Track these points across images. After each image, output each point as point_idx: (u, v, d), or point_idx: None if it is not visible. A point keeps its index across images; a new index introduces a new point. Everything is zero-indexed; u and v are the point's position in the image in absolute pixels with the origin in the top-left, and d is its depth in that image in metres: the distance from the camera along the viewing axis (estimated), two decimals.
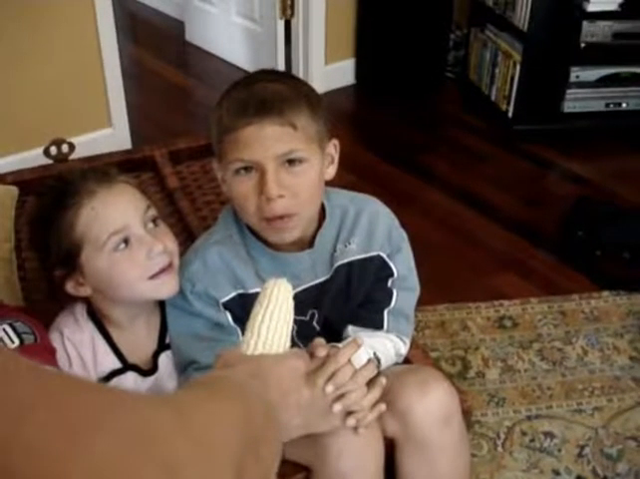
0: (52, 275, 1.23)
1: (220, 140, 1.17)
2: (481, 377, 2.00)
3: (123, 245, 1.16)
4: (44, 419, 0.43)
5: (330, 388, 1.04)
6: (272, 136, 1.12)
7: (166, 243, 1.21)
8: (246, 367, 0.85)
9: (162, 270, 1.19)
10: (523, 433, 1.84)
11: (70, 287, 1.21)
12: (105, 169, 1.26)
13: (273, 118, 1.11)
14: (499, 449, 1.79)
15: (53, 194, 1.21)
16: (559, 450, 1.79)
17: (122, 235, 1.16)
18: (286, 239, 1.21)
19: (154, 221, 1.21)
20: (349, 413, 1.08)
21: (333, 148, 1.25)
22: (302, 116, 1.14)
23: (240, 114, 1.12)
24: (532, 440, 1.82)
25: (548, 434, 1.83)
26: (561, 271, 2.41)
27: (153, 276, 1.18)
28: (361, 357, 1.19)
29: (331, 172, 1.26)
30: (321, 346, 1.08)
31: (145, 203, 1.21)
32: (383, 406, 1.11)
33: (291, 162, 1.14)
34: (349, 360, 1.08)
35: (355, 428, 1.10)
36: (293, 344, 1.18)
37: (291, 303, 0.95)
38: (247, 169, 1.14)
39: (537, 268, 2.43)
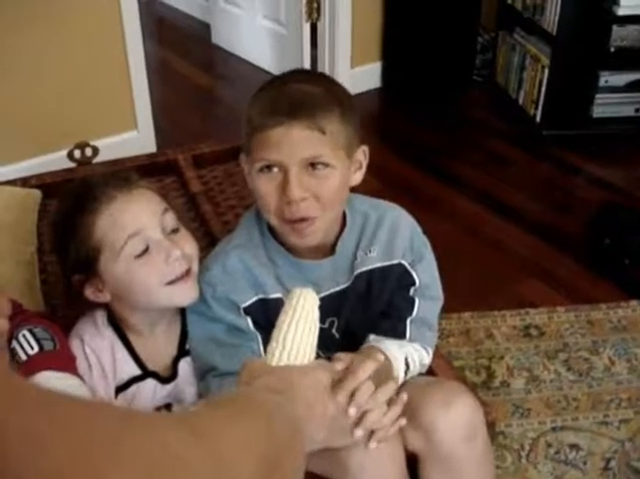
0: (71, 281, 1.22)
1: (249, 136, 1.16)
2: (506, 387, 1.97)
3: (141, 251, 1.15)
4: (60, 450, 0.42)
5: (352, 411, 1.02)
6: (300, 139, 1.10)
7: (185, 249, 1.19)
8: (271, 379, 0.83)
9: (180, 277, 1.18)
10: (548, 445, 1.80)
11: (89, 293, 1.20)
12: (125, 174, 1.25)
13: (303, 121, 1.10)
14: (524, 461, 1.76)
15: (73, 198, 1.21)
16: (585, 463, 1.76)
17: (138, 238, 1.15)
18: (306, 242, 1.20)
19: (173, 225, 1.20)
20: (370, 433, 1.06)
21: (362, 154, 1.23)
22: (333, 121, 1.12)
23: (270, 114, 1.11)
24: (557, 452, 1.78)
25: (574, 446, 1.80)
26: (589, 279, 2.37)
27: (170, 283, 1.17)
28: (400, 368, 1.18)
29: (358, 178, 1.24)
30: (339, 360, 1.06)
31: (162, 207, 1.20)
32: (403, 421, 1.09)
33: (315, 165, 1.13)
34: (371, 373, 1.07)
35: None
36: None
37: (317, 314, 0.94)
38: (271, 167, 1.13)
39: (564, 276, 2.39)
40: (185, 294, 1.20)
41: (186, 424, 0.56)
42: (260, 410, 0.69)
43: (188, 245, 1.21)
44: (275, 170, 1.13)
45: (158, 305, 1.21)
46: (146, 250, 1.16)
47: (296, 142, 1.10)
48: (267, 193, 1.15)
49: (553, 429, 1.85)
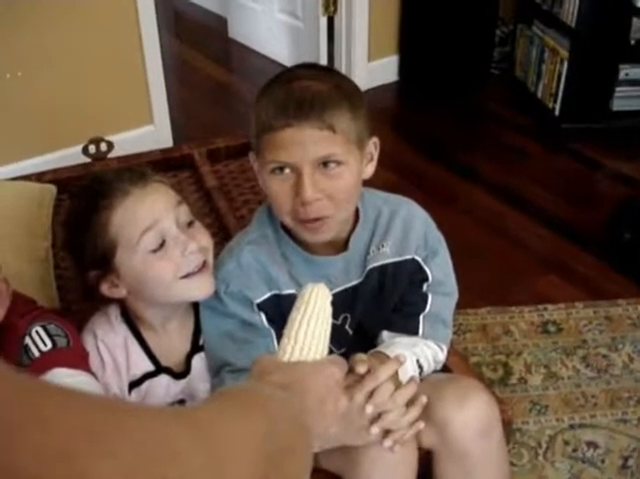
0: (86, 277, 1.21)
1: (259, 137, 1.14)
2: (524, 384, 1.95)
3: (157, 245, 1.15)
4: (38, 442, 0.40)
5: (370, 409, 1.02)
6: (311, 139, 1.09)
7: (201, 242, 1.19)
8: (282, 375, 0.83)
9: (196, 270, 1.17)
10: (566, 443, 1.78)
11: (105, 289, 1.20)
12: (140, 169, 1.25)
13: (312, 121, 1.08)
14: (541, 459, 1.74)
15: (87, 195, 1.20)
16: (603, 461, 1.74)
17: (153, 232, 1.14)
18: (320, 239, 1.19)
19: (187, 218, 1.20)
20: (386, 432, 1.06)
21: (373, 146, 1.22)
22: (342, 118, 1.10)
23: (279, 115, 1.10)
24: (575, 450, 1.77)
25: (592, 444, 1.78)
26: (608, 275, 2.34)
27: (186, 276, 1.17)
28: (407, 371, 1.17)
29: (370, 170, 1.22)
30: (361, 362, 1.05)
31: (176, 200, 1.20)
32: (421, 424, 1.08)
33: (328, 164, 1.11)
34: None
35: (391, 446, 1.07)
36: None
37: (329, 309, 0.93)
38: (283, 169, 1.12)
39: (583, 272, 2.37)
40: (202, 288, 1.20)
41: (184, 417, 0.55)
42: (262, 405, 0.68)
43: (204, 238, 1.21)
44: (287, 171, 1.12)
45: (174, 299, 1.21)
46: (162, 245, 1.15)
47: (307, 143, 1.09)
48: (280, 194, 1.14)
49: (571, 427, 1.83)
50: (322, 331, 0.91)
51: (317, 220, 1.14)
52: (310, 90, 1.11)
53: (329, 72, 1.25)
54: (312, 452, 0.74)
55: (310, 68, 1.22)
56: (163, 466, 0.46)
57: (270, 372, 0.83)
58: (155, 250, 1.15)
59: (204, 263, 1.19)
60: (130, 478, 0.43)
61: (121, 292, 1.20)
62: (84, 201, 1.21)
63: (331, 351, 1.20)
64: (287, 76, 1.18)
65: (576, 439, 1.79)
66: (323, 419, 0.82)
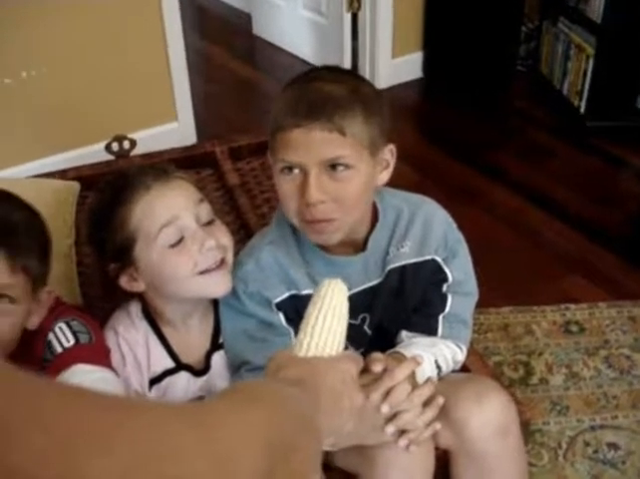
0: (107, 270, 1.23)
1: (272, 136, 1.15)
2: (545, 384, 1.94)
3: (175, 241, 1.16)
4: (37, 442, 0.41)
5: (385, 409, 1.02)
6: (319, 140, 1.09)
7: (220, 239, 1.20)
8: (297, 370, 0.83)
9: (214, 267, 1.18)
10: (586, 444, 1.77)
11: (124, 282, 1.21)
12: (163, 165, 1.26)
13: (322, 122, 1.08)
14: (560, 459, 1.73)
15: (111, 188, 1.22)
16: (623, 462, 1.72)
17: (172, 228, 1.16)
18: (326, 241, 1.19)
19: (208, 216, 1.21)
20: (402, 431, 1.06)
21: (389, 153, 1.21)
22: (354, 122, 1.10)
23: (290, 114, 1.10)
24: (596, 451, 1.75)
25: (612, 446, 1.77)
26: (632, 275, 2.32)
27: (203, 272, 1.17)
28: (425, 371, 1.17)
29: (384, 177, 1.22)
30: (378, 361, 1.05)
31: (198, 197, 1.21)
32: (438, 425, 1.08)
33: (336, 167, 1.11)
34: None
35: (407, 445, 1.07)
36: (344, 348, 1.16)
37: (346, 305, 0.93)
38: (291, 169, 1.13)
39: (606, 271, 2.34)
40: (218, 285, 1.20)
41: (185, 414, 0.55)
42: (267, 401, 0.68)
43: (223, 237, 1.21)
44: (296, 171, 1.12)
45: (190, 295, 1.21)
46: (180, 240, 1.16)
47: (315, 143, 1.09)
48: (287, 194, 1.15)
49: (592, 428, 1.81)
50: (338, 327, 0.91)
51: (322, 221, 1.14)
52: (323, 91, 1.11)
53: (349, 75, 1.24)
54: (321, 449, 0.74)
55: (331, 70, 1.22)
56: (162, 463, 0.46)
57: (286, 367, 0.83)
58: (172, 245, 1.16)
59: (223, 261, 1.20)
60: (128, 476, 0.44)
61: (139, 286, 1.21)
62: (107, 194, 1.22)
63: (346, 348, 1.21)
64: (306, 77, 1.18)
65: (597, 440, 1.78)
66: (338, 415, 0.82)
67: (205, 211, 1.21)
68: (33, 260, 1.12)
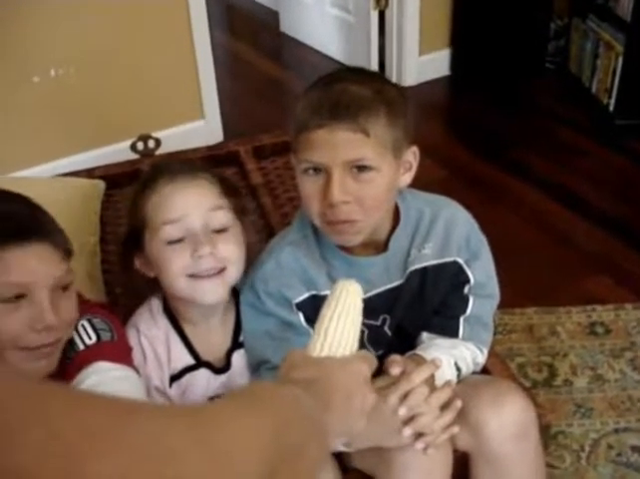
0: (124, 249, 1.26)
1: (296, 136, 1.16)
2: (569, 386, 1.93)
3: (174, 238, 1.17)
4: (39, 442, 0.42)
5: (403, 411, 1.03)
6: (342, 141, 1.09)
7: (222, 250, 1.18)
8: (309, 370, 0.83)
9: (205, 275, 1.18)
10: (610, 447, 1.75)
11: (138, 264, 1.24)
12: (193, 163, 1.28)
13: (345, 123, 1.08)
14: (583, 462, 1.72)
15: (143, 175, 1.27)
16: None
17: (176, 226, 1.17)
18: (348, 242, 1.20)
19: (220, 224, 1.20)
20: (419, 434, 1.06)
21: (412, 155, 1.21)
22: (378, 123, 1.10)
23: (314, 114, 1.11)
24: (619, 454, 1.74)
25: (636, 449, 1.75)
26: None
27: (193, 276, 1.18)
28: (444, 374, 1.17)
29: (407, 179, 1.22)
30: (396, 363, 1.05)
31: (215, 203, 1.20)
32: (455, 429, 1.08)
33: (360, 168, 1.11)
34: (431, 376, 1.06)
35: (424, 448, 1.07)
36: (364, 349, 1.16)
37: (360, 305, 0.93)
38: (315, 170, 1.13)
39: (634, 272, 2.32)
40: (207, 293, 1.19)
41: (186, 416, 0.56)
42: (272, 403, 0.68)
43: (229, 248, 1.19)
44: (319, 172, 1.13)
45: (181, 295, 1.21)
46: (180, 239, 1.17)
47: (338, 144, 1.09)
48: (310, 194, 1.15)
49: (616, 431, 1.80)
50: (352, 327, 0.91)
51: (345, 222, 1.14)
52: (348, 93, 1.11)
53: (374, 77, 1.24)
54: (328, 451, 0.74)
55: (355, 72, 1.22)
56: (162, 465, 0.47)
57: (298, 367, 0.84)
58: (170, 242, 1.17)
59: (221, 271, 1.19)
60: (128, 477, 0.44)
61: (150, 272, 1.23)
62: (139, 180, 1.27)
63: (362, 347, 1.21)
64: (330, 78, 1.18)
65: (621, 443, 1.76)
66: (349, 415, 0.82)
67: (219, 218, 1.20)
68: (67, 244, 1.14)
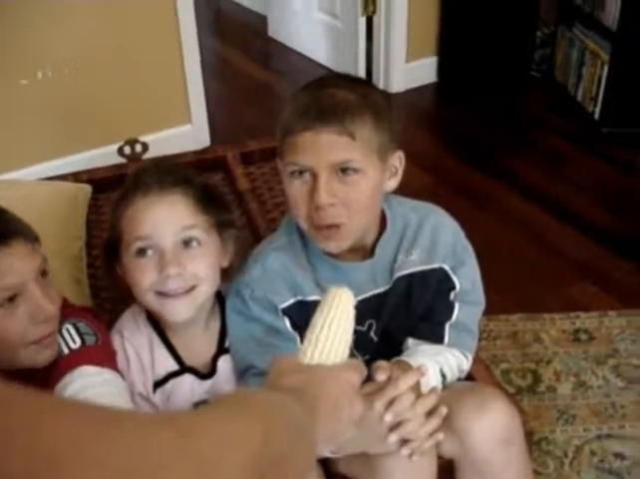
0: (105, 257, 1.26)
1: (282, 140, 1.17)
2: (552, 392, 1.94)
3: (141, 253, 1.16)
4: (28, 450, 0.42)
5: (389, 418, 1.03)
6: (328, 143, 1.10)
7: (194, 268, 1.17)
8: (298, 378, 0.83)
9: (173, 294, 1.17)
10: (593, 453, 1.77)
11: (119, 270, 1.24)
12: (173, 173, 1.23)
13: (331, 126, 1.10)
14: (566, 469, 1.73)
15: (123, 187, 1.24)
16: (629, 473, 1.72)
17: (145, 242, 1.16)
18: (334, 248, 1.20)
19: (193, 241, 1.18)
20: (404, 441, 1.06)
21: (398, 160, 1.22)
22: (364, 126, 1.11)
23: (301, 118, 1.12)
24: (602, 461, 1.75)
25: (619, 455, 1.76)
26: None
27: (161, 294, 1.17)
28: (430, 380, 1.17)
29: (393, 184, 1.23)
30: (382, 369, 1.06)
31: (188, 222, 1.17)
32: (440, 435, 1.08)
33: (346, 171, 1.12)
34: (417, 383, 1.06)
35: (409, 455, 1.08)
36: (350, 355, 1.17)
37: (352, 313, 0.93)
38: (301, 172, 1.14)
39: (618, 280, 2.33)
40: (174, 312, 1.18)
41: (173, 424, 0.56)
42: (258, 410, 0.68)
43: (199, 267, 1.18)
44: (305, 175, 1.13)
45: (150, 308, 1.21)
46: (150, 255, 1.16)
47: (324, 146, 1.10)
48: (297, 198, 1.16)
49: (599, 437, 1.81)
50: (343, 335, 0.91)
51: (331, 226, 1.15)
52: (334, 97, 1.12)
53: (360, 82, 1.25)
54: (315, 458, 0.74)
55: (342, 77, 1.23)
56: (149, 475, 0.47)
57: (287, 374, 0.84)
58: (140, 258, 1.16)
59: (191, 289, 1.18)
60: None
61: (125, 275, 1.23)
62: (120, 190, 1.24)
63: (352, 355, 1.22)
64: (317, 83, 1.20)
65: (603, 450, 1.77)
66: (337, 422, 0.82)
67: (191, 236, 1.18)
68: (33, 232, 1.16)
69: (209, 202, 1.22)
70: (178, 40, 2.85)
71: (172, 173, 1.22)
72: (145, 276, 1.16)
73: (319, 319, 0.91)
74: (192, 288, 1.18)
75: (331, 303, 0.91)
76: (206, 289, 1.20)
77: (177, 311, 1.19)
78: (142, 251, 1.16)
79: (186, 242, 1.17)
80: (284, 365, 0.87)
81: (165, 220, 1.17)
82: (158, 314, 1.23)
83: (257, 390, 0.82)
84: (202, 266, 1.18)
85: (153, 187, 1.18)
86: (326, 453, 1.08)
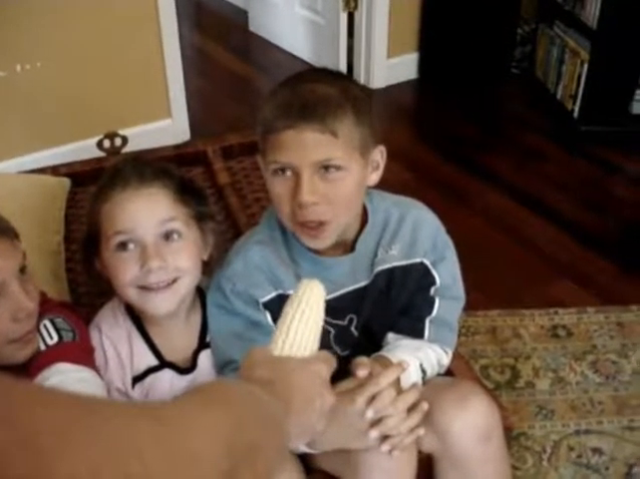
0: (84, 251, 1.25)
1: (263, 137, 1.16)
2: (531, 388, 1.95)
3: (122, 247, 1.16)
4: (3, 435, 0.41)
5: (370, 414, 1.03)
6: (311, 142, 1.10)
7: (176, 261, 1.16)
8: (269, 370, 0.83)
9: (156, 287, 1.16)
10: (571, 448, 1.78)
11: (98, 265, 1.22)
12: (151, 166, 1.22)
13: (314, 124, 1.09)
14: (545, 464, 1.74)
15: (105, 175, 1.23)
16: (607, 468, 1.73)
17: (125, 236, 1.15)
18: (318, 245, 1.20)
19: (172, 234, 1.17)
20: (385, 437, 1.06)
21: (379, 154, 1.22)
22: (345, 123, 1.11)
23: (282, 116, 1.11)
24: (580, 456, 1.76)
25: (597, 451, 1.77)
26: (621, 280, 2.33)
27: (143, 287, 1.17)
28: (411, 376, 1.17)
29: (374, 178, 1.23)
30: (362, 365, 1.06)
31: (167, 214, 1.17)
32: (421, 431, 1.09)
33: (328, 168, 1.12)
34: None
35: (390, 450, 1.08)
36: (330, 349, 1.17)
37: (322, 305, 0.93)
38: (284, 170, 1.13)
39: (596, 276, 2.35)
40: (158, 305, 1.18)
41: (148, 413, 0.56)
42: (229, 401, 0.68)
43: (181, 259, 1.17)
44: (288, 173, 1.13)
45: (132, 303, 1.21)
46: (131, 249, 1.15)
47: (307, 145, 1.10)
48: (280, 195, 1.15)
49: (577, 432, 1.82)
50: (314, 327, 0.91)
51: (315, 224, 1.15)
52: (315, 93, 1.12)
53: (338, 76, 1.24)
54: (287, 449, 0.75)
55: (320, 72, 1.23)
56: (127, 463, 0.47)
57: (258, 366, 0.84)
58: (120, 252, 1.16)
59: (173, 281, 1.17)
60: (95, 475, 0.44)
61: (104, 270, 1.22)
62: (98, 184, 1.23)
63: (336, 353, 1.22)
64: (296, 79, 1.19)
65: (581, 445, 1.79)
66: (309, 415, 0.83)
67: (171, 229, 1.17)
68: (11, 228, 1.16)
69: (189, 194, 1.22)
70: (159, 34, 2.83)
71: (151, 165, 1.22)
72: (126, 271, 1.15)
73: (289, 310, 0.92)
74: (174, 281, 1.18)
75: (302, 295, 0.92)
76: (188, 282, 1.20)
77: (160, 305, 1.18)
78: (122, 246, 1.16)
79: (167, 235, 1.17)
80: (255, 357, 0.87)
81: (146, 213, 1.16)
82: (138, 308, 1.22)
83: (230, 381, 0.82)
84: (184, 259, 1.18)
85: (131, 180, 1.17)
86: (303, 448, 1.08)
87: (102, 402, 0.59)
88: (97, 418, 0.48)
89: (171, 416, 0.57)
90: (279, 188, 1.15)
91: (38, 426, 0.43)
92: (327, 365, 0.89)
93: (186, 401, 0.66)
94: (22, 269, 1.12)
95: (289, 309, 0.92)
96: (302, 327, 0.90)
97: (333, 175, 1.12)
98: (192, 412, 0.60)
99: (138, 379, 1.23)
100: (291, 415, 0.77)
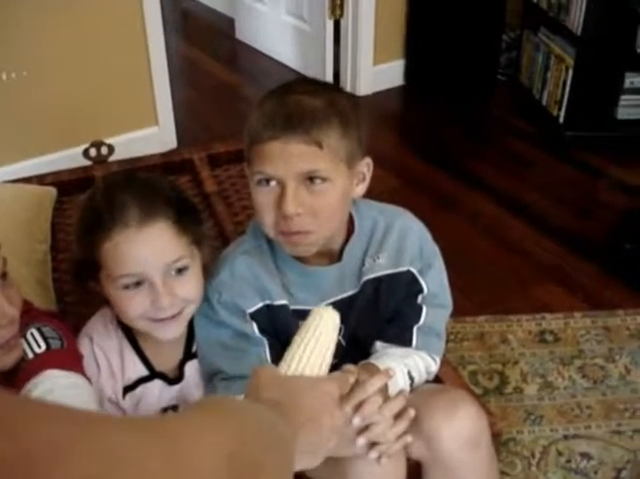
0: (78, 269, 1.23)
1: (249, 147, 1.16)
2: (519, 393, 1.96)
3: (132, 285, 1.14)
4: (1, 450, 0.41)
5: (357, 421, 1.03)
6: (296, 153, 1.09)
7: (183, 292, 1.16)
8: (277, 391, 0.83)
9: (163, 318, 1.17)
10: (559, 453, 1.78)
11: (91, 285, 1.21)
12: (152, 200, 1.15)
13: (299, 135, 1.09)
14: (534, 469, 1.74)
15: (93, 207, 1.17)
16: (595, 472, 1.74)
17: (132, 279, 1.13)
18: (302, 253, 1.20)
19: (179, 267, 1.16)
20: (373, 444, 1.07)
21: (366, 167, 1.22)
22: (331, 135, 1.11)
23: (268, 127, 1.11)
24: (568, 461, 1.76)
25: (585, 455, 1.78)
26: (608, 285, 2.34)
27: (154, 320, 1.17)
28: (398, 383, 1.17)
29: (360, 190, 1.23)
30: (349, 372, 1.06)
31: (173, 254, 1.15)
32: (409, 438, 1.09)
33: (313, 180, 1.12)
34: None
35: (377, 458, 1.08)
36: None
37: (334, 332, 0.95)
38: (268, 181, 1.13)
39: (583, 281, 2.36)
40: (165, 333, 1.19)
41: (152, 426, 0.56)
42: (235, 417, 0.68)
43: (189, 289, 1.18)
44: (273, 183, 1.13)
45: (138, 329, 1.21)
46: (138, 287, 1.14)
47: (292, 156, 1.09)
48: (264, 206, 1.15)
49: (565, 437, 1.83)
50: (326, 352, 0.93)
51: (298, 233, 1.14)
52: (301, 104, 1.11)
53: (326, 87, 1.25)
54: (293, 468, 0.74)
55: (308, 82, 1.23)
56: (128, 476, 0.47)
57: (266, 388, 0.84)
58: (128, 287, 1.14)
59: (179, 313, 1.18)
60: None
61: (103, 292, 1.20)
62: (91, 210, 1.18)
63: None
64: (283, 89, 1.18)
65: (570, 450, 1.79)
66: (318, 435, 0.83)
67: (180, 266, 1.16)
68: None
69: (186, 215, 1.19)
70: (145, 42, 2.82)
71: (149, 194, 1.16)
72: (137, 306, 1.15)
73: (303, 338, 0.93)
74: (179, 313, 1.18)
75: (318, 323, 0.94)
76: (194, 307, 1.21)
77: (168, 333, 1.19)
78: (130, 286, 1.14)
79: (174, 271, 1.16)
80: (263, 378, 0.87)
81: (152, 256, 1.13)
82: (148, 335, 1.21)
83: (233, 398, 0.82)
84: (192, 290, 1.19)
85: (131, 216, 1.12)
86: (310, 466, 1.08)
87: (101, 417, 0.59)
88: (98, 432, 0.48)
89: (174, 430, 0.56)
90: (263, 198, 1.15)
91: (39, 440, 0.43)
92: (338, 385, 0.90)
93: (191, 415, 0.66)
94: (3, 276, 1.11)
95: (300, 336, 0.93)
96: (316, 352, 0.92)
97: (318, 186, 1.12)
98: (197, 427, 0.60)
99: (129, 389, 1.24)
100: (300, 434, 0.77)
